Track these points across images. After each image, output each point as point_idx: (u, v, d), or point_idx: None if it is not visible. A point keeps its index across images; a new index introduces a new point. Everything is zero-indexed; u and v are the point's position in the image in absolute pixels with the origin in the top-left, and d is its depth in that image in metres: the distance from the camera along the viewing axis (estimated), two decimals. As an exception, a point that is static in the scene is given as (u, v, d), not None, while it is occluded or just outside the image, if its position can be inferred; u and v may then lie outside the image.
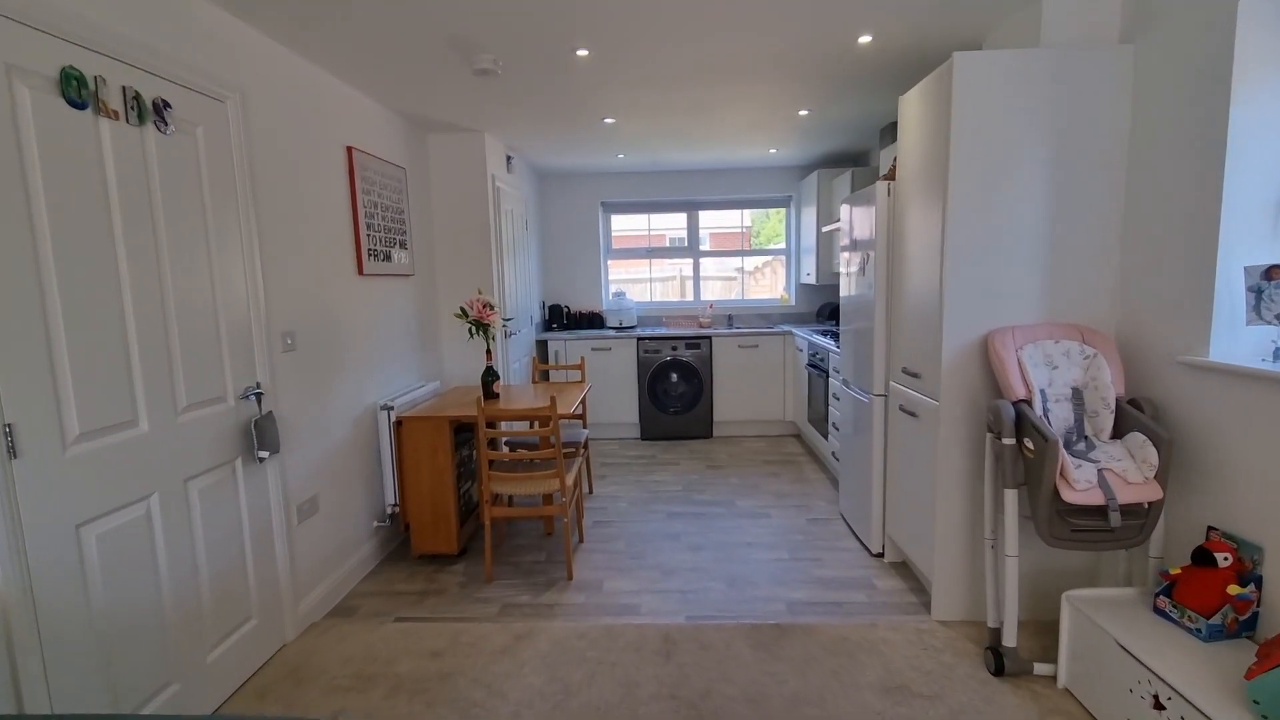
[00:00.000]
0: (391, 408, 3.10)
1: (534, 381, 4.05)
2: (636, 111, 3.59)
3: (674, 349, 5.20)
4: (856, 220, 3.12)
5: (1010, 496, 2.04)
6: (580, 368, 4.07)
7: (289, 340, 2.48)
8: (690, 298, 5.92)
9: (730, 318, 5.69)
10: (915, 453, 2.56)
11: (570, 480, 2.97)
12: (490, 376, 3.32)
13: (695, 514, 3.63)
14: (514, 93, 3.20)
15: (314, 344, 2.65)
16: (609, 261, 5.96)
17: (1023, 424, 2.02)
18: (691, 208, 5.79)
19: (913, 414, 2.56)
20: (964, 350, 2.29)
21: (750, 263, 5.92)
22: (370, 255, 3.13)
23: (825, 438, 4.14)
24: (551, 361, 5.28)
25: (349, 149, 2.96)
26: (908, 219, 2.60)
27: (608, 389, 5.27)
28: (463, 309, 3.25)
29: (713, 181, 5.64)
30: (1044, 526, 1.96)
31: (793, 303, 5.79)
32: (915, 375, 2.54)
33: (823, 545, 3.16)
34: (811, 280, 5.22)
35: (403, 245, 3.50)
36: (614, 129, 4.01)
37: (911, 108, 2.55)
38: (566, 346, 5.25)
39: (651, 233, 5.91)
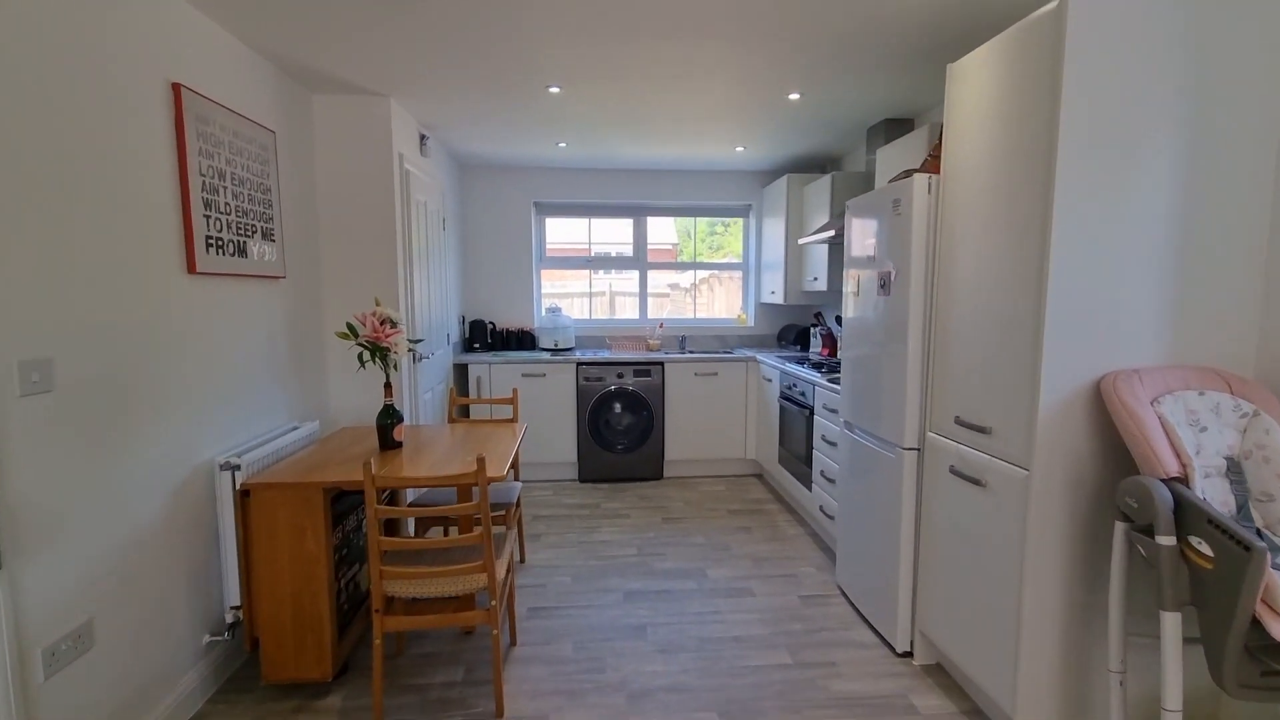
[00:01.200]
0: (237, 467, 2.13)
1: (450, 419, 3.15)
2: (588, 75, 2.81)
3: (620, 376, 4.42)
4: (866, 228, 2.49)
5: (1172, 623, 1.40)
6: (512, 402, 3.20)
7: (36, 376, 1.50)
8: (634, 315, 5.18)
9: (683, 339, 4.99)
10: (979, 532, 1.91)
11: (502, 571, 2.11)
12: (389, 419, 2.41)
13: (660, 591, 2.85)
14: (434, 37, 2.35)
15: (96, 378, 1.68)
16: (542, 272, 5.12)
17: (1186, 515, 1.39)
18: (638, 213, 5.07)
19: (976, 481, 1.90)
20: (1067, 401, 1.66)
21: (689, 278, 5.22)
22: (211, 246, 2.16)
23: (808, 487, 3.49)
24: (473, 392, 4.36)
25: (176, 87, 2.00)
26: (963, 222, 1.97)
27: (541, 422, 4.40)
28: (350, 326, 2.34)
29: (663, 184, 4.95)
30: (1229, 668, 1.33)
31: (751, 324, 5.17)
32: (980, 430, 1.89)
33: (830, 639, 2.46)
34: (777, 299, 4.61)
35: (267, 236, 2.53)
36: (558, 103, 3.22)
37: (973, 77, 1.93)
38: (492, 372, 4.36)
39: (594, 242, 5.13)
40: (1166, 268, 1.64)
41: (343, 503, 2.34)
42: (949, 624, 2.07)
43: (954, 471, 2.02)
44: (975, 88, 1.92)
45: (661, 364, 4.44)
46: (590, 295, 5.18)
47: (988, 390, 1.87)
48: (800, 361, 3.94)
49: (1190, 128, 1.60)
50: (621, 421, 4.49)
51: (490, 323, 4.81)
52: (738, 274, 5.26)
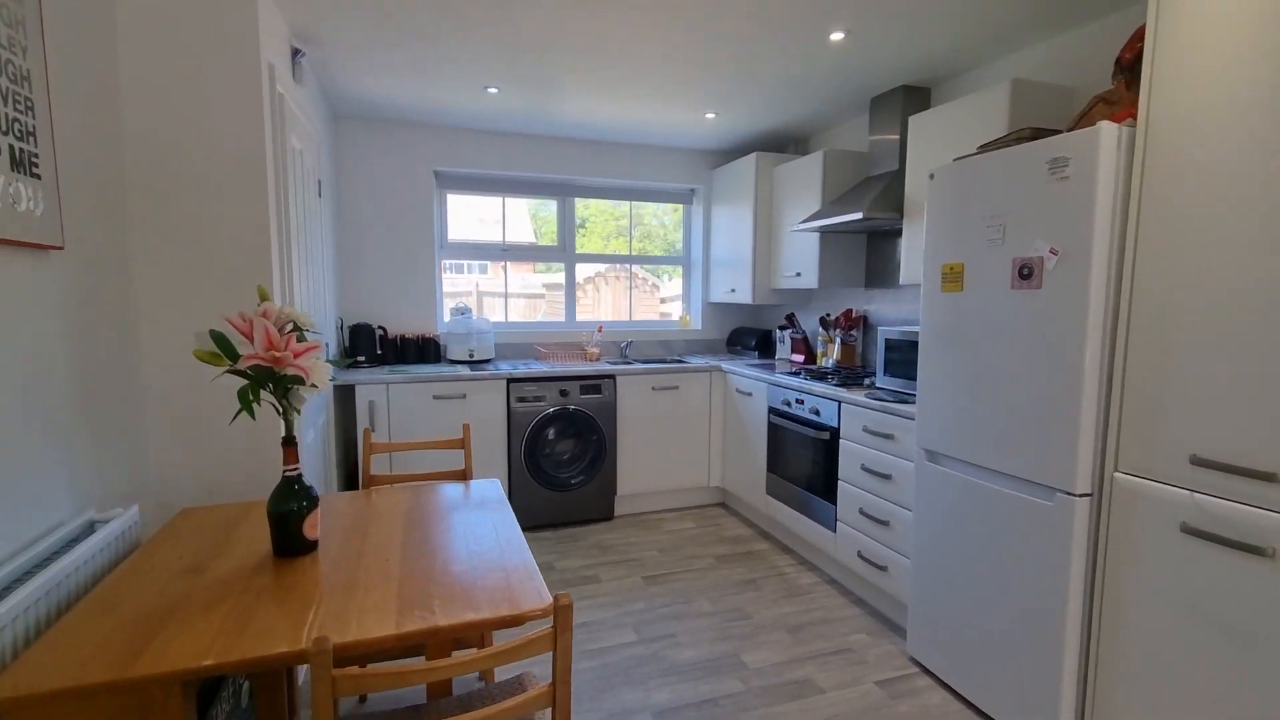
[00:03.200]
0: (-45, 652, 0.96)
1: (365, 481, 2.05)
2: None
3: (563, 393, 3.49)
4: (978, 200, 1.89)
5: None
6: (463, 444, 2.16)
7: None
8: (561, 318, 4.25)
9: (627, 345, 4.16)
10: (1251, 620, 1.36)
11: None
12: (297, 504, 1.34)
13: (700, 704, 2.03)
14: None
15: None
16: (444, 262, 4.00)
17: None
18: (565, 193, 4.15)
19: (1256, 549, 1.35)
20: None
21: (567, 275, 4.39)
22: None
23: (827, 527, 2.85)
24: (364, 422, 3.16)
25: None
26: (1208, 185, 1.42)
27: (453, 457, 3.33)
28: (218, 338, 1.24)
29: (595, 160, 4.08)
30: None
31: (698, 326, 4.48)
32: (1265, 477, 1.34)
33: (960, 752, 1.82)
34: (740, 298, 3.96)
35: (21, 165, 1.31)
36: (504, 11, 2.26)
37: (1224, -20, 1.38)
38: (391, 395, 3.20)
39: (508, 225, 4.11)
40: None
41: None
42: (1172, 736, 1.51)
43: (1195, 532, 1.45)
44: (1229, -3, 1.37)
45: (613, 377, 3.59)
46: (506, 296, 4.15)
47: (1272, 419, 1.32)
48: (798, 372, 3.32)
49: None
50: (567, 450, 3.56)
51: (379, 328, 3.61)
52: (625, 272, 4.54)
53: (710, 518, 3.72)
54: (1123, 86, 1.71)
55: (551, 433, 3.51)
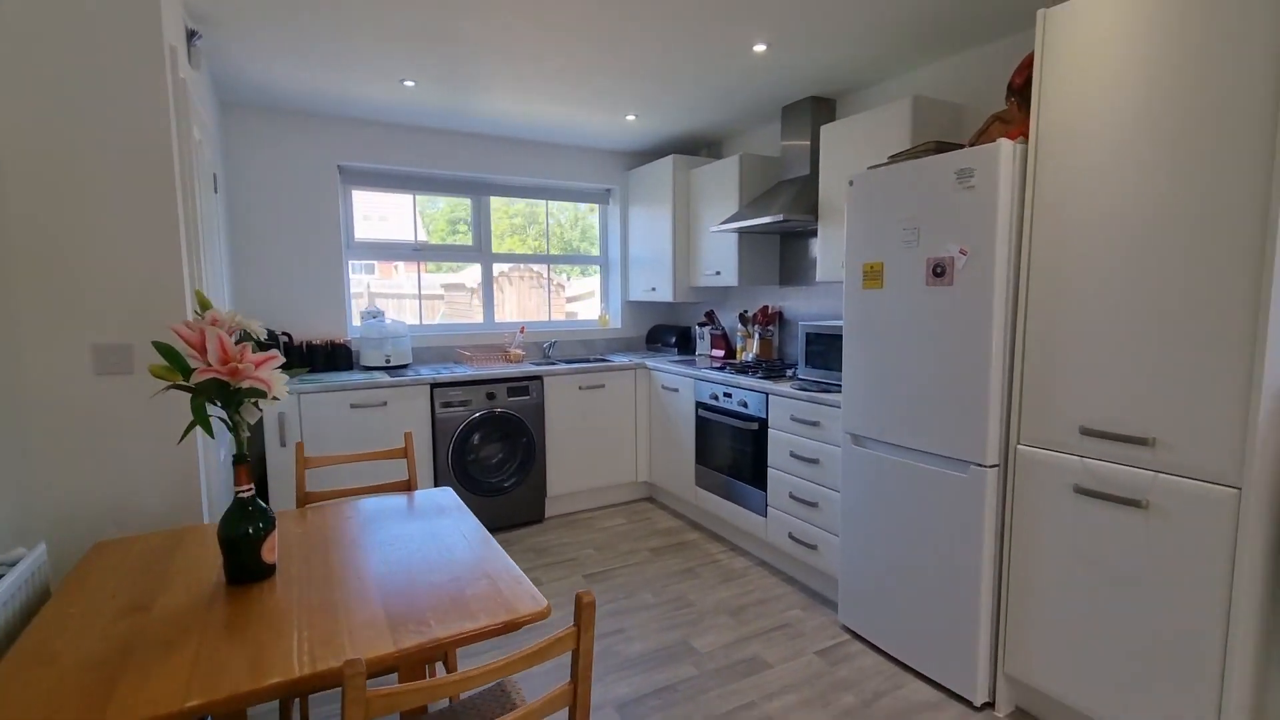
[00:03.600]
0: None
1: (301, 499, 1.92)
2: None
3: (490, 397, 3.41)
4: (896, 206, 2.09)
5: None
6: (405, 454, 2.07)
7: None
8: (478, 320, 4.15)
9: (550, 346, 4.13)
10: (1131, 562, 1.62)
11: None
12: (253, 525, 1.25)
13: (658, 691, 2.09)
14: None
15: None
16: (351, 263, 3.77)
17: None
18: (479, 191, 4.05)
19: (1133, 502, 1.61)
20: (1274, 401, 1.43)
21: (472, 277, 4.19)
22: None
23: (758, 513, 3.01)
24: (274, 438, 2.92)
25: None
26: (1091, 194, 1.66)
27: (380, 469, 3.17)
28: (167, 352, 1.13)
29: (508, 158, 4.02)
30: None
31: (617, 325, 4.54)
32: (1136, 440, 1.60)
33: (894, 707, 2.00)
34: (661, 296, 4.05)
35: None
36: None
37: (1108, 17, 1.62)
38: (303, 405, 2.98)
39: (421, 226, 3.94)
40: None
41: None
42: (1071, 670, 1.76)
43: (1085, 491, 1.70)
44: (1111, 29, 1.61)
45: (541, 378, 3.56)
46: (420, 298, 3.99)
47: (1143, 392, 1.58)
48: (723, 366, 3.46)
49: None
50: (495, 454, 3.49)
51: (284, 335, 3.35)
52: (531, 270, 4.57)
53: (640, 513, 3.79)
54: (1015, 107, 1.95)
55: (479, 437, 3.43)
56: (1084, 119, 1.67)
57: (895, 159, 2.22)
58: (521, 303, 4.34)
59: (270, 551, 1.28)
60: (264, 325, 3.18)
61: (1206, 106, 1.45)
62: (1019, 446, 1.86)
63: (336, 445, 3.06)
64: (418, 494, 1.86)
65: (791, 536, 2.81)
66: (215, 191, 2.66)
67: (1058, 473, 1.77)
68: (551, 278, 4.45)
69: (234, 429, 1.24)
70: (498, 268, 4.24)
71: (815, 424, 2.63)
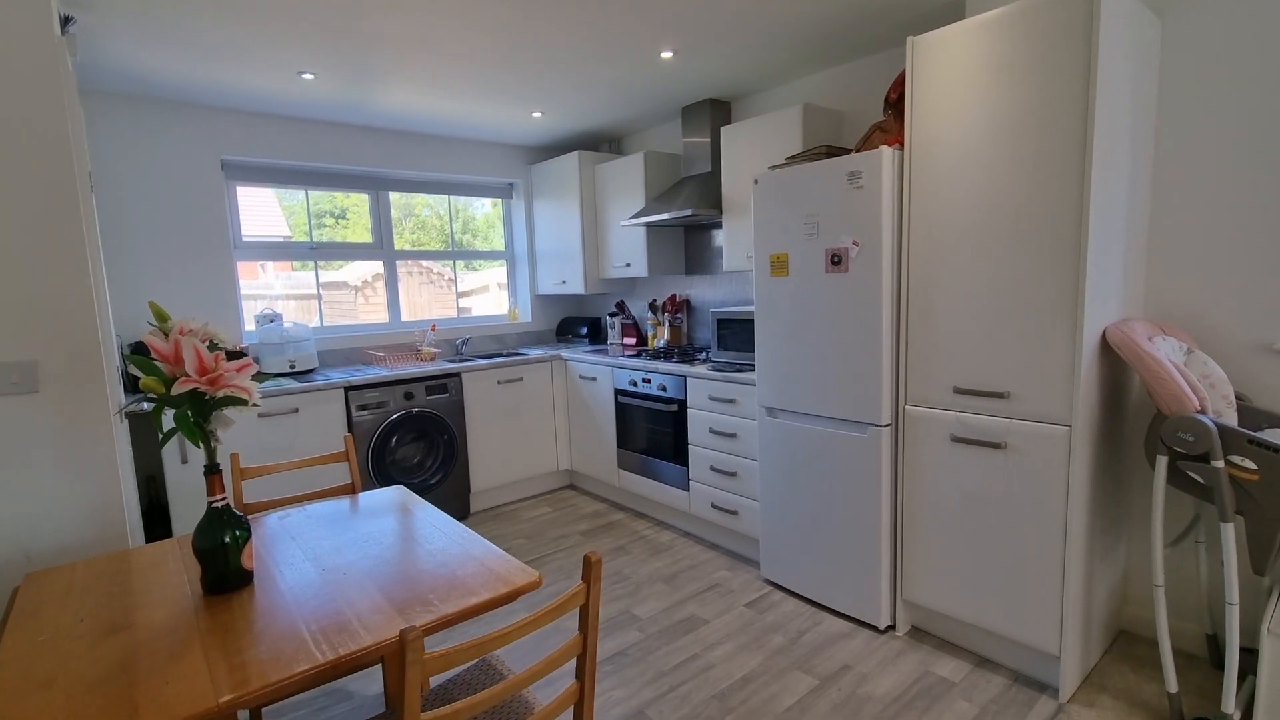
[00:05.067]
0: None
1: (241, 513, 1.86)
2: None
3: (408, 397, 3.37)
4: (799, 203, 2.37)
5: (1229, 532, 1.66)
6: (347, 457, 2.05)
7: None
8: (383, 319, 4.04)
9: (463, 342, 4.11)
10: (997, 493, 1.99)
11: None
12: (230, 532, 1.26)
13: (613, 657, 2.25)
14: None
15: None
16: (238, 264, 3.53)
17: (1226, 440, 1.66)
18: (376, 186, 3.93)
19: (994, 445, 1.98)
20: (1090, 355, 1.83)
21: (355, 274, 4.03)
22: None
23: (681, 488, 3.24)
24: (174, 451, 2.72)
25: None
26: (950, 192, 2.00)
27: (296, 477, 3.05)
28: (145, 365, 1.12)
29: (406, 152, 3.93)
30: (1273, 558, 1.64)
31: (527, 319, 4.58)
32: (995, 395, 1.97)
33: (815, 641, 2.30)
34: (572, 289, 4.16)
35: None
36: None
37: (956, 48, 1.96)
38: (206, 417, 2.80)
39: (316, 222, 3.75)
40: (1127, 231, 1.94)
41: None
42: (954, 588, 2.14)
43: (959, 440, 2.07)
44: (963, 57, 1.95)
45: (459, 375, 3.56)
46: (320, 299, 3.81)
47: (998, 355, 1.95)
48: (639, 353, 3.64)
49: (1136, 100, 1.92)
50: (416, 454, 3.45)
51: (172, 343, 3.10)
52: (420, 266, 4.58)
53: (564, 500, 3.91)
54: (891, 119, 2.28)
55: (398, 438, 3.38)
56: (946, 129, 2.01)
57: (793, 160, 2.50)
58: (411, 299, 4.21)
59: (249, 558, 1.29)
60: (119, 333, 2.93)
61: (1033, 117, 1.81)
62: (906, 407, 2.21)
63: (247, 458, 2.90)
64: (368, 495, 1.88)
65: (714, 506, 3.06)
66: (91, 189, 2.43)
67: (937, 426, 2.12)
68: (441, 272, 4.37)
69: (205, 439, 1.23)
70: (370, 267, 4.07)
71: (732, 401, 2.89)
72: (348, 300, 3.98)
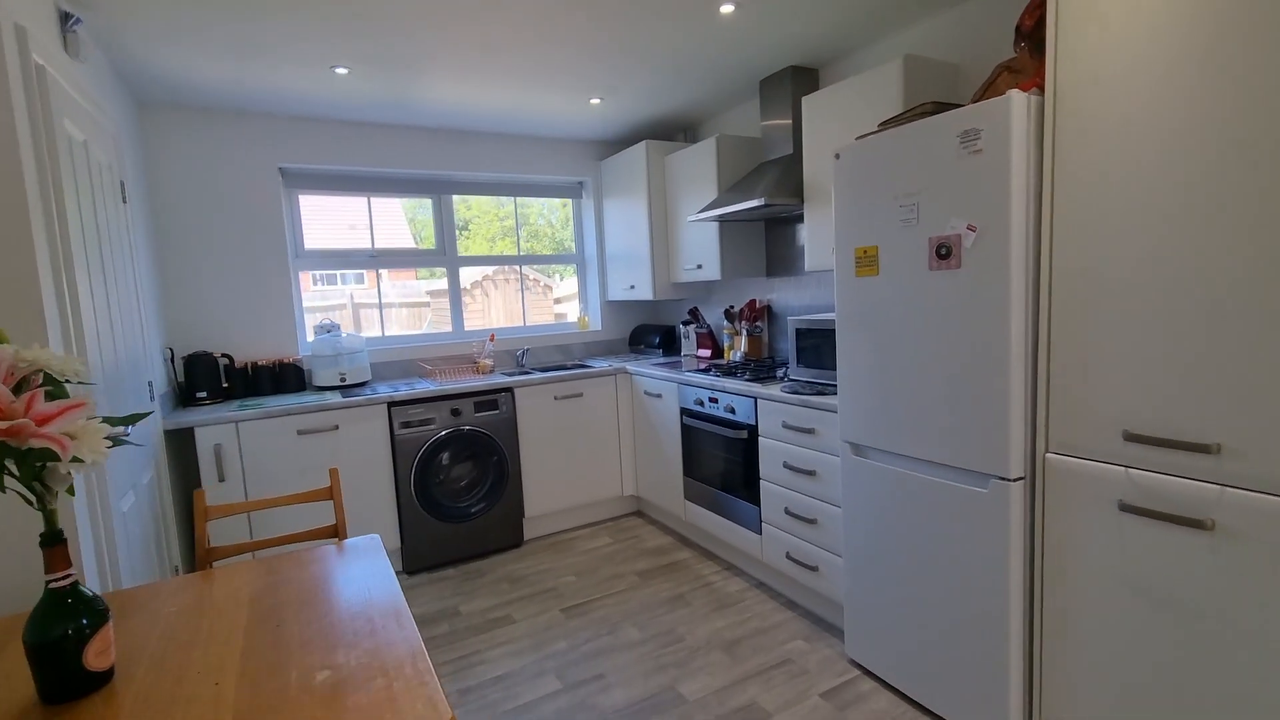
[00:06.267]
0: None
1: (202, 560, 1.62)
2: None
3: (455, 413, 3.12)
4: (885, 179, 1.80)
5: None
6: (332, 494, 1.77)
7: None
8: (447, 329, 3.86)
9: (522, 354, 3.84)
10: (1195, 598, 1.32)
11: None
12: (70, 624, 0.95)
13: (640, 756, 1.80)
14: None
15: None
16: (313, 274, 3.47)
17: None
18: (439, 190, 3.75)
19: (1195, 522, 1.31)
20: (1376, 395, 1.13)
21: (450, 281, 3.94)
22: None
23: (752, 529, 2.72)
24: (209, 474, 2.63)
25: None
26: (1122, 149, 1.37)
27: (317, 511, 2.87)
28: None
29: (471, 154, 3.72)
30: None
31: (598, 327, 4.24)
32: (1199, 448, 1.30)
33: (916, 762, 1.71)
34: (640, 294, 3.76)
35: None
36: (366, -22, 1.90)
37: (1125, -63, 1.33)
38: (242, 435, 2.69)
39: (377, 230, 3.65)
40: None
41: None
42: (1127, 717, 1.47)
43: (1133, 509, 1.41)
44: (1131, -45, 1.32)
45: (511, 390, 3.26)
46: (381, 307, 3.69)
47: (1203, 388, 1.29)
48: (709, 369, 3.17)
49: None
50: (463, 476, 3.20)
51: (225, 356, 3.06)
52: (515, 273, 4.27)
53: (627, 530, 3.50)
54: (1025, 54, 1.66)
55: (445, 458, 3.14)
56: (1111, 60, 1.37)
57: (886, 125, 1.93)
58: (509, 307, 4.06)
59: (102, 655, 0.99)
60: (170, 345, 2.88)
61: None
62: (1048, 455, 1.57)
63: (283, 478, 2.76)
64: (346, 545, 1.57)
65: (789, 557, 2.52)
66: (124, 201, 2.36)
67: (1098, 485, 1.48)
68: (537, 279, 4.18)
69: (39, 500, 0.94)
70: (481, 271, 3.96)
71: (810, 431, 2.34)
72: (446, 308, 3.88)
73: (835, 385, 2.40)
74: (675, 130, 3.89)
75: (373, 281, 3.64)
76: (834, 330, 2.41)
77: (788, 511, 2.49)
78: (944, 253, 1.70)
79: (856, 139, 1.95)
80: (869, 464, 2.00)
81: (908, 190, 1.78)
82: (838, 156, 1.99)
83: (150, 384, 2.46)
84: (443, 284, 3.85)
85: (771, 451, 2.55)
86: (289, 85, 2.76)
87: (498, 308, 4.07)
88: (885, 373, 1.91)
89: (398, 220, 3.77)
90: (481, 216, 3.99)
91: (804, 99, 2.59)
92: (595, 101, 3.21)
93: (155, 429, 2.44)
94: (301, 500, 1.73)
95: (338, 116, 3.27)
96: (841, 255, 2.01)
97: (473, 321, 3.94)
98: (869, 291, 1.93)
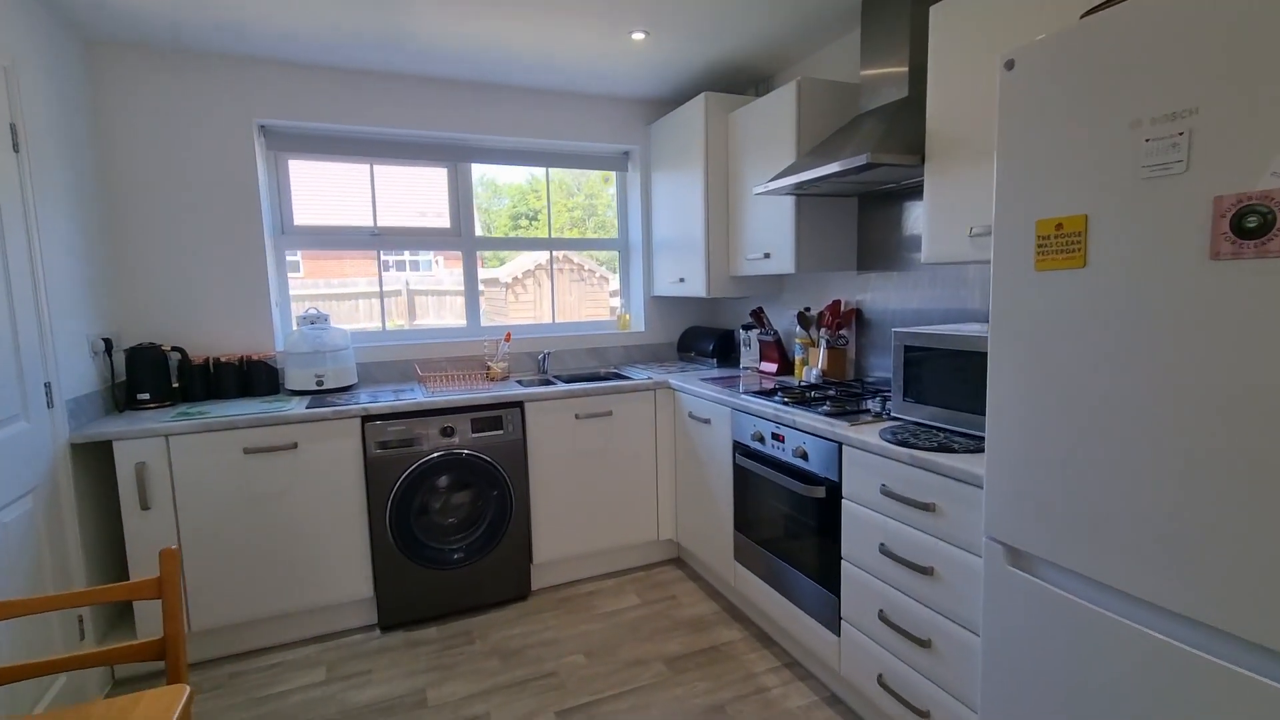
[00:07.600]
0: None
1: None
2: None
3: (447, 433, 2.48)
4: (1131, 88, 0.98)
5: None
6: (159, 593, 1.13)
7: None
8: (461, 321, 3.23)
9: (544, 357, 3.17)
10: None
11: None
12: None
13: None
14: None
15: None
16: (288, 256, 2.92)
17: None
18: (456, 158, 3.12)
19: None
20: None
21: (508, 270, 3.39)
22: None
23: (829, 628, 1.93)
24: (132, 494, 2.09)
25: None
26: None
27: (294, 536, 2.29)
28: None
29: (495, 113, 3.06)
30: None
31: (640, 328, 3.52)
32: None
33: None
34: (691, 289, 3.01)
35: None
36: None
37: None
38: (173, 450, 2.13)
39: (380, 207, 3.05)
40: None
41: None
42: None
43: None
44: None
45: (520, 405, 2.59)
46: (382, 296, 3.10)
47: None
48: (730, 383, 2.38)
49: None
50: (454, 511, 2.56)
51: (176, 350, 2.52)
52: (572, 261, 3.56)
53: (661, 586, 2.77)
54: None
55: (433, 488, 2.50)
56: None
57: (1097, 9, 1.10)
58: (562, 300, 3.44)
59: None
60: (108, 335, 2.33)
61: None
62: None
63: (226, 509, 2.19)
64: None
65: (883, 683, 1.72)
66: (15, 150, 1.82)
67: None
68: (593, 269, 3.54)
69: None
70: (534, 258, 3.37)
71: (927, 508, 1.54)
72: (499, 297, 3.33)
73: (970, 436, 1.59)
74: (745, 83, 3.10)
75: (450, 265, 3.14)
76: (970, 352, 1.59)
77: (883, 618, 1.69)
78: (1251, 225, 0.87)
79: (1038, 40, 1.13)
80: (1040, 586, 1.19)
81: (1164, 110, 0.95)
82: (1010, 66, 1.18)
83: (47, 385, 1.93)
84: (497, 272, 3.28)
85: (861, 525, 1.76)
86: (262, 14, 2.17)
87: (549, 301, 3.41)
88: (1088, 436, 1.09)
89: (441, 197, 3.13)
90: (553, 205, 3.36)
91: (933, 8, 1.76)
92: (638, 36, 2.47)
93: (44, 443, 1.90)
94: (63, 605, 1.09)
95: (329, 62, 2.68)
96: (1005, 235, 1.20)
97: (524, 315, 3.38)
98: (1061, 294, 1.12)
